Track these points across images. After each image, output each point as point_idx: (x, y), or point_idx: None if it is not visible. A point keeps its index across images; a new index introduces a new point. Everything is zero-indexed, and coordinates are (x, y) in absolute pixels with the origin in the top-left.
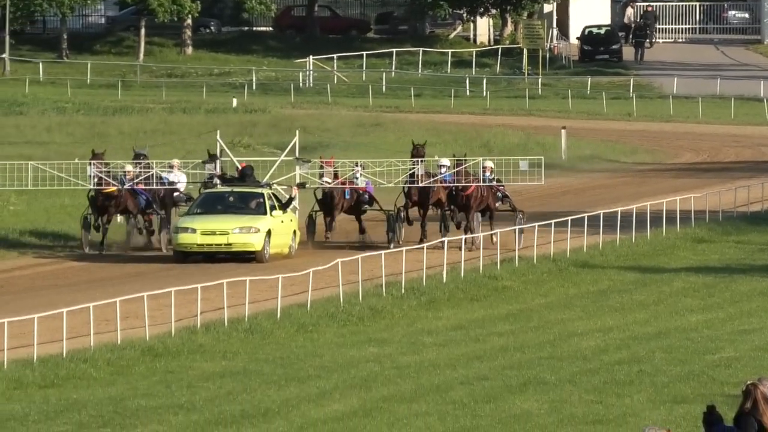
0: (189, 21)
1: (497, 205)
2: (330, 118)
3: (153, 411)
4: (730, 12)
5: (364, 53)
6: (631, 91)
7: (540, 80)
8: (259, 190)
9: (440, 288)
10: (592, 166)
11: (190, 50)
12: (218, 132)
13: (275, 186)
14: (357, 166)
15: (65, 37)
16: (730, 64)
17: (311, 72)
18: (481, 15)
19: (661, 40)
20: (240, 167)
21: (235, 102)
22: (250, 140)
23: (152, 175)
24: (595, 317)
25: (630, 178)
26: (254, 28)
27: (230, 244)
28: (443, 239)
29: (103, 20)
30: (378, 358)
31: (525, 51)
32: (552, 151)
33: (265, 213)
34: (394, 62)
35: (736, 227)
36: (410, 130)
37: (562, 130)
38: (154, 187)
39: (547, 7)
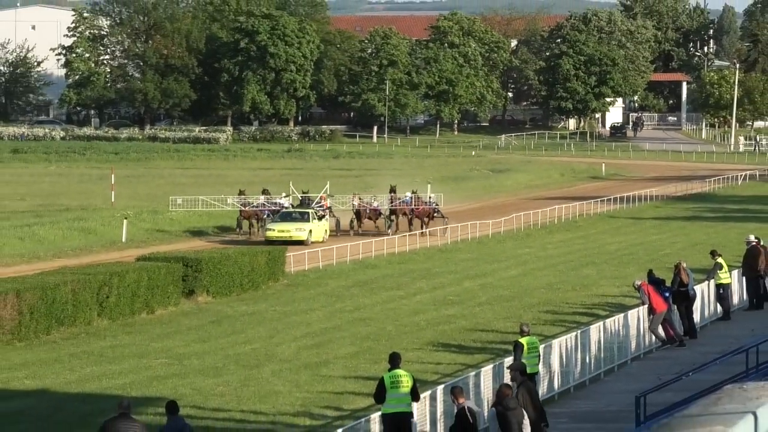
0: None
1: (435, 214)
2: (509, 160)
3: None
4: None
5: (524, 134)
6: (630, 148)
7: (589, 145)
8: (307, 210)
9: (554, 225)
10: (625, 177)
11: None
12: (291, 183)
13: (315, 207)
14: (372, 197)
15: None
16: (672, 139)
17: (504, 142)
18: (570, 117)
19: (646, 128)
20: (313, 198)
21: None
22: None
23: (264, 201)
24: (616, 236)
25: (621, 183)
26: (479, 123)
27: (291, 236)
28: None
29: (422, 121)
30: (528, 253)
31: (588, 132)
32: (597, 173)
33: (309, 221)
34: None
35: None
36: (541, 166)
37: (603, 165)
38: (268, 208)
39: (598, 114)
